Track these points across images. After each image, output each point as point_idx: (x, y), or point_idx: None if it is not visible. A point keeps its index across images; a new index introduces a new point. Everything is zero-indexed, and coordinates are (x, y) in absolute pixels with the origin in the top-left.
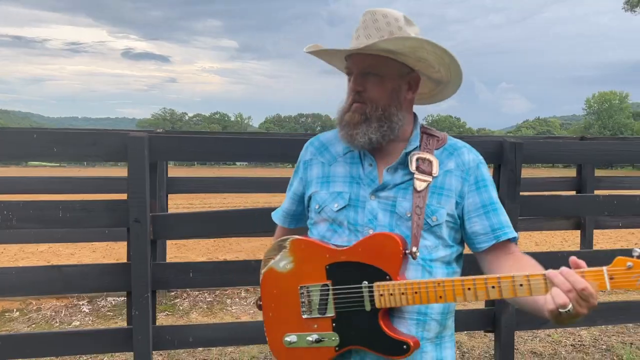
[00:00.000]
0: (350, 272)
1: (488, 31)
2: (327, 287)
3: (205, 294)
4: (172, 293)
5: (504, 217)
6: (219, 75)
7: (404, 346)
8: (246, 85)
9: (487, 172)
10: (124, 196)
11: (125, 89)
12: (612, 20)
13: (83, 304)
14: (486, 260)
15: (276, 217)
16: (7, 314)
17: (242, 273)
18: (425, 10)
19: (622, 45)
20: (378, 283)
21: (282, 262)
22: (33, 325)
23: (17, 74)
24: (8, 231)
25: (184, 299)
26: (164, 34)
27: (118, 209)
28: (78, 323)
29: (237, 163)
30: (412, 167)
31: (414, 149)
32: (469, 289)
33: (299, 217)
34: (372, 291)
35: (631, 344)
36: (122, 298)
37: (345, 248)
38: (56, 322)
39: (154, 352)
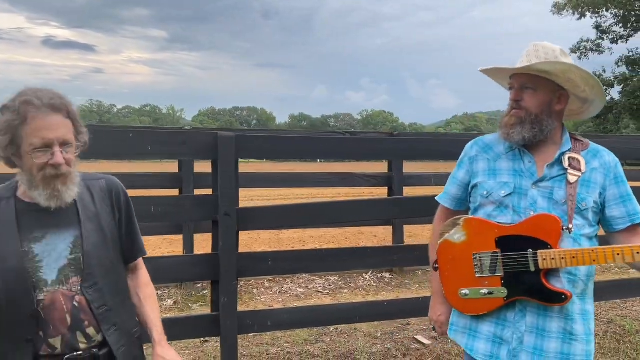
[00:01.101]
0: (517, 243)
1: (419, 29)
2: (496, 254)
3: None
4: (199, 285)
5: (638, 206)
6: (147, 66)
7: (563, 296)
8: (177, 77)
9: (622, 170)
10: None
11: (46, 79)
12: (534, 21)
13: None
14: (620, 239)
15: (443, 200)
16: None
17: (315, 260)
18: (361, 6)
19: None
20: (541, 250)
21: (457, 235)
22: None
23: None
24: None
25: None
26: (89, 22)
27: (206, 203)
28: None
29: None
30: (566, 164)
31: (567, 150)
32: (618, 254)
33: (462, 201)
34: (535, 256)
35: (627, 316)
36: None
37: (512, 225)
38: None
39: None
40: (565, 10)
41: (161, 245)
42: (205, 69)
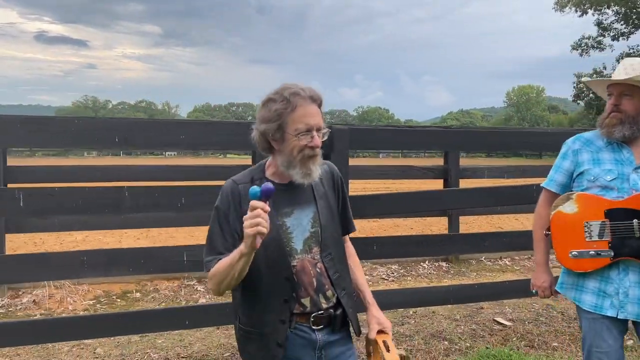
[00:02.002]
0: (624, 214)
1: (412, 25)
2: (605, 223)
3: None
4: None
5: None
6: (141, 61)
7: None
8: (171, 72)
9: None
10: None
11: (38, 74)
12: (528, 19)
13: (194, 284)
14: None
15: (549, 185)
16: (128, 294)
17: (415, 245)
18: (353, 2)
19: (536, 43)
20: None
21: (569, 208)
22: (163, 304)
23: None
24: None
25: None
26: (82, 17)
27: None
28: (205, 300)
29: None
30: None
31: None
32: None
33: (566, 187)
34: None
35: None
36: None
37: (619, 200)
38: (180, 299)
39: None
40: (567, 8)
41: None
42: (200, 65)
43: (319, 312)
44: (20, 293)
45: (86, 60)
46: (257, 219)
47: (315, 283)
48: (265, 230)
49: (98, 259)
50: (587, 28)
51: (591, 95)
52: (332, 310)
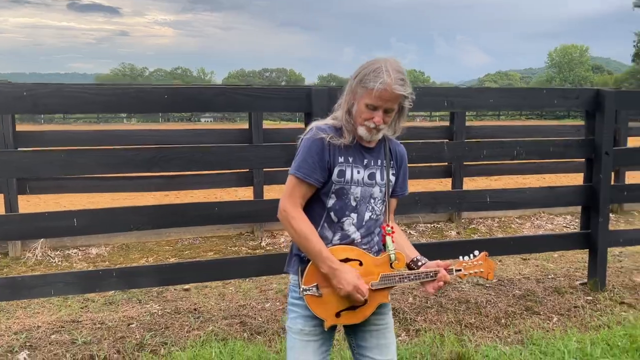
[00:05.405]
0: None
1: None
2: None
3: (489, 220)
4: (464, 220)
5: None
6: (171, 27)
7: None
8: (201, 38)
9: None
10: None
11: (73, 42)
12: None
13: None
14: None
15: None
16: None
17: None
18: None
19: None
20: None
21: None
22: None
23: None
24: None
25: (479, 224)
26: None
27: (587, 145)
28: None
29: None
30: None
31: None
32: None
33: None
34: None
35: None
36: (434, 224)
37: None
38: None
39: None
40: None
41: None
42: (228, 30)
43: None
44: (275, 234)
45: (118, 27)
46: None
47: None
48: None
49: (450, 199)
50: None
51: None
52: None
